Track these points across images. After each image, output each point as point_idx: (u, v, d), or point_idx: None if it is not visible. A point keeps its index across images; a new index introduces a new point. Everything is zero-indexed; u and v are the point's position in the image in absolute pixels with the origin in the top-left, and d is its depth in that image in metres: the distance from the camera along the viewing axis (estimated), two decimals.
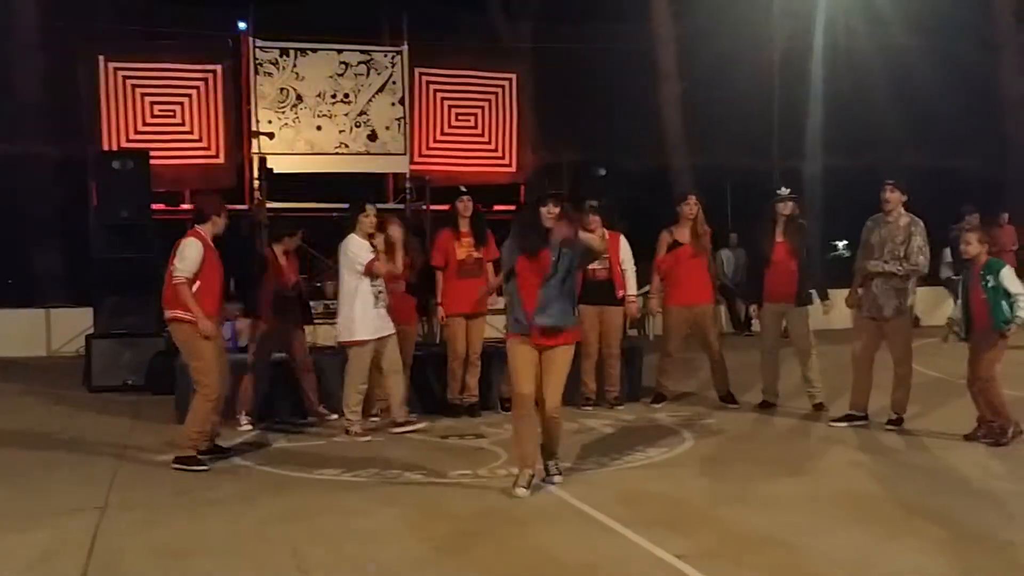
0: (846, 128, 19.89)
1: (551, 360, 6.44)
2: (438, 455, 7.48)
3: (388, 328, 8.19)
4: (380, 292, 8.15)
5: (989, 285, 7.57)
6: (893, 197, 8.28)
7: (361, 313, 8.02)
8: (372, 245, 8.18)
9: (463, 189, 9.35)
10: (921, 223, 8.26)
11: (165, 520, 5.91)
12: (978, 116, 20.82)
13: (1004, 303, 7.52)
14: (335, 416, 8.67)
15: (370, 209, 8.19)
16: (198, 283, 7.18)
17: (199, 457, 7.20)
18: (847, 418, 8.46)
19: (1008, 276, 7.56)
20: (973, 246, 7.72)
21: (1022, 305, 7.47)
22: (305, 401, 8.88)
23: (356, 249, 8.07)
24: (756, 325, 16.03)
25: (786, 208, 9.12)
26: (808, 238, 9.35)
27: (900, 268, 8.13)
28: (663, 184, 18.54)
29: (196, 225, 7.37)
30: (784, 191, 9.34)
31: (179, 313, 7.17)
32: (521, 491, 6.33)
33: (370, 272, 8.03)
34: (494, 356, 9.26)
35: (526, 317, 6.39)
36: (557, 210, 6.40)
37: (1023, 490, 6.49)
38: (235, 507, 6.18)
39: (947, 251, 17.62)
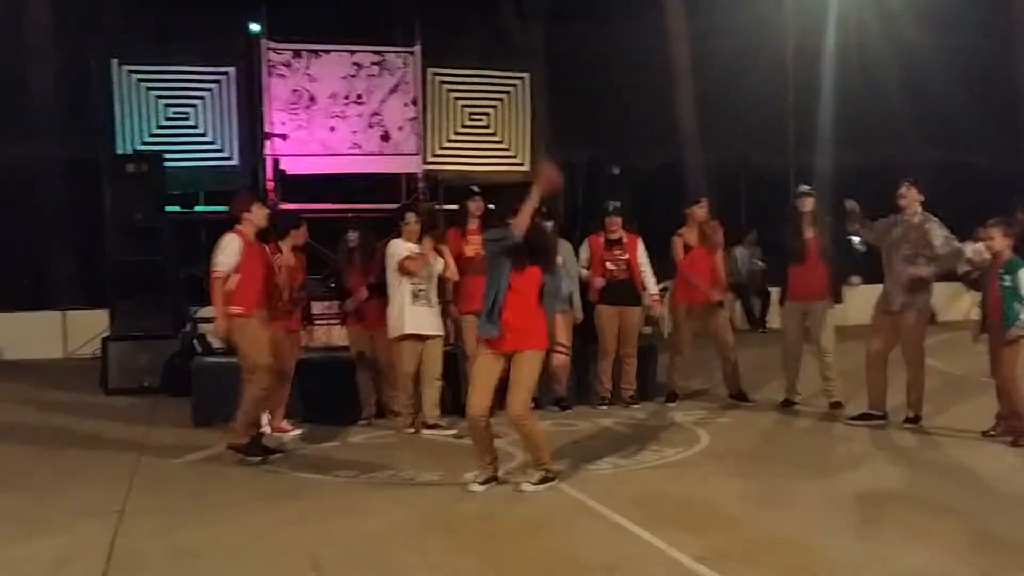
0: (859, 124, 19.80)
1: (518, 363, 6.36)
2: (453, 456, 7.47)
3: (430, 327, 8.30)
4: (420, 290, 8.32)
5: (1005, 284, 7.49)
6: (910, 195, 8.24)
7: (398, 310, 8.27)
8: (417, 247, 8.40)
9: (475, 189, 9.35)
10: (935, 218, 8.22)
11: (183, 523, 5.92)
12: (993, 111, 20.70)
13: (1016, 304, 7.43)
14: (296, 432, 8.46)
15: (409, 217, 8.48)
16: (238, 277, 7.27)
17: (252, 447, 7.31)
18: (864, 416, 8.43)
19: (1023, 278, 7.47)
20: (997, 240, 7.61)
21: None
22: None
23: (393, 250, 8.37)
24: (771, 322, 16.14)
25: (807, 204, 9.09)
26: (832, 234, 9.29)
27: (928, 269, 8.08)
28: (677, 181, 18.50)
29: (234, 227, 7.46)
30: (804, 187, 9.31)
31: (224, 307, 7.28)
32: (475, 487, 6.45)
33: (404, 271, 8.21)
34: None
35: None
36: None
37: None
38: (251, 509, 6.20)
39: (966, 246, 17.56)
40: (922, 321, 8.36)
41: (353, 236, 9.01)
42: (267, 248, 7.83)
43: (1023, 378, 7.64)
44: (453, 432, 8.35)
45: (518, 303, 6.32)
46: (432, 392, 8.47)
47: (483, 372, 6.42)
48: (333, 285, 9.28)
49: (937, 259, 8.14)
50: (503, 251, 6.32)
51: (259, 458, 7.32)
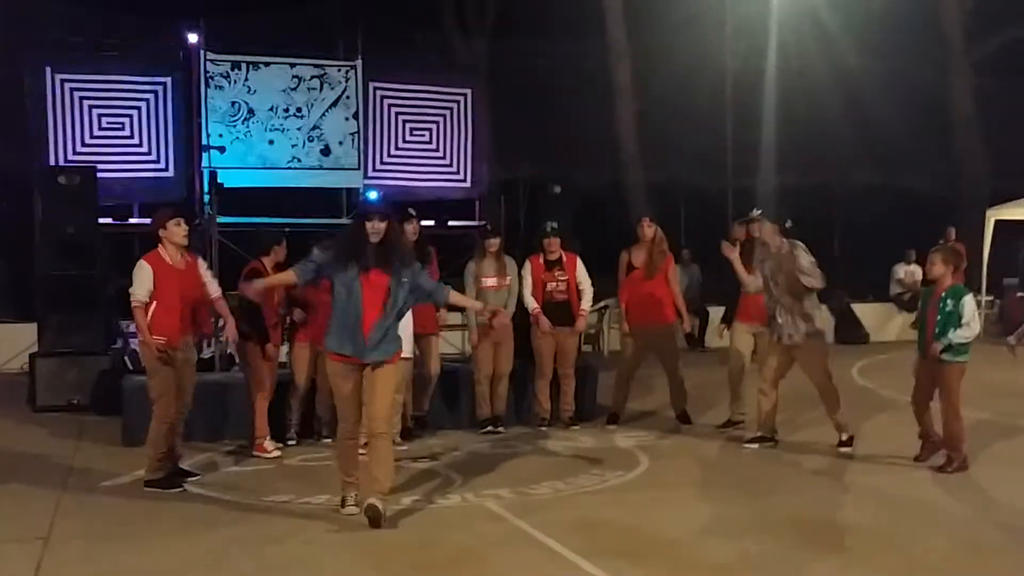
0: (798, 146, 20.09)
1: (376, 378, 6.18)
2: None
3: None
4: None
5: (947, 309, 7.55)
6: (765, 229, 8.33)
7: None
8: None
9: (411, 212, 9.22)
10: (800, 243, 8.28)
11: (109, 552, 5.73)
12: (929, 135, 21.11)
13: (952, 328, 7.49)
14: (277, 454, 8.29)
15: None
16: (154, 304, 7.07)
17: (171, 478, 7.15)
18: (759, 440, 8.50)
19: (969, 306, 7.49)
20: (937, 267, 7.70)
21: (959, 334, 7.46)
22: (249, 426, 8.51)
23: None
24: (709, 341, 16.23)
25: (757, 230, 9.09)
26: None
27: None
28: (618, 201, 18.58)
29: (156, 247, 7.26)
30: (755, 212, 9.33)
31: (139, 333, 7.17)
32: (350, 509, 6.31)
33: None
34: (455, 374, 9.30)
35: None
36: (383, 225, 6.18)
37: (975, 515, 6.51)
38: (181, 537, 6.02)
39: (897, 268, 17.86)
40: (821, 342, 8.42)
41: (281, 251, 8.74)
42: (193, 265, 7.41)
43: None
44: (404, 448, 8.29)
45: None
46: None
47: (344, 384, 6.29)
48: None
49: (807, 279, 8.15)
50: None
51: (178, 489, 7.12)
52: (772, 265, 8.28)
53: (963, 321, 7.45)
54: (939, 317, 7.55)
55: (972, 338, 7.51)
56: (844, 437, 8.32)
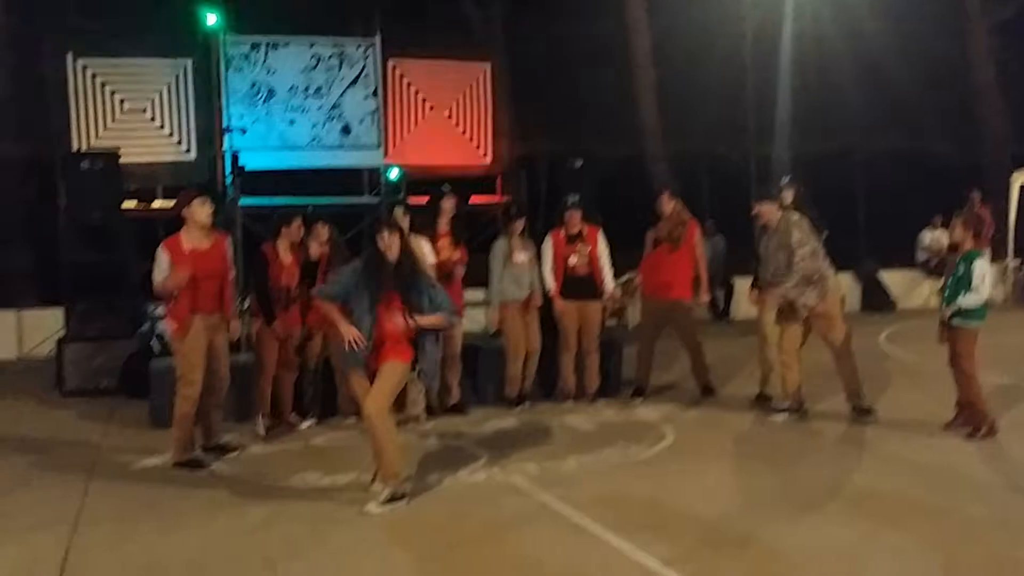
0: (818, 113, 19.92)
1: (381, 371, 6.28)
2: (417, 458, 7.36)
3: None
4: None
5: (958, 274, 7.53)
6: (764, 210, 8.33)
7: None
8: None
9: (446, 188, 9.18)
10: (794, 217, 8.26)
11: (137, 533, 5.79)
12: (950, 99, 20.88)
13: (961, 291, 7.46)
14: (306, 424, 8.54)
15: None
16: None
17: (197, 459, 7.24)
18: (786, 410, 8.50)
19: (978, 270, 7.45)
20: (957, 232, 7.69)
21: (968, 299, 7.41)
22: (280, 404, 8.63)
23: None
24: (735, 313, 16.17)
25: (788, 196, 9.02)
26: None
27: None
28: (639, 174, 18.48)
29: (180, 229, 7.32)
30: (785, 179, 9.28)
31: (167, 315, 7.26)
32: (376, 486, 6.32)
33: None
34: (478, 352, 9.31)
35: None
36: (395, 239, 6.27)
37: (1005, 483, 6.47)
38: (209, 517, 6.07)
39: (923, 234, 17.70)
40: (837, 309, 8.39)
41: (324, 231, 8.73)
42: (220, 243, 7.46)
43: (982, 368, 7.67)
44: (429, 427, 8.40)
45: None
46: (415, 388, 8.39)
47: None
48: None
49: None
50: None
51: (204, 469, 7.21)
52: (774, 242, 8.25)
53: (972, 285, 7.40)
54: (951, 281, 7.55)
55: (979, 303, 7.46)
56: (864, 406, 8.29)
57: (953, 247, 7.83)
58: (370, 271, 6.30)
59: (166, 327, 7.37)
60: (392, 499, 6.19)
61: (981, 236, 7.75)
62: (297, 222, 8.51)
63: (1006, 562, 5.02)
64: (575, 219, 9.26)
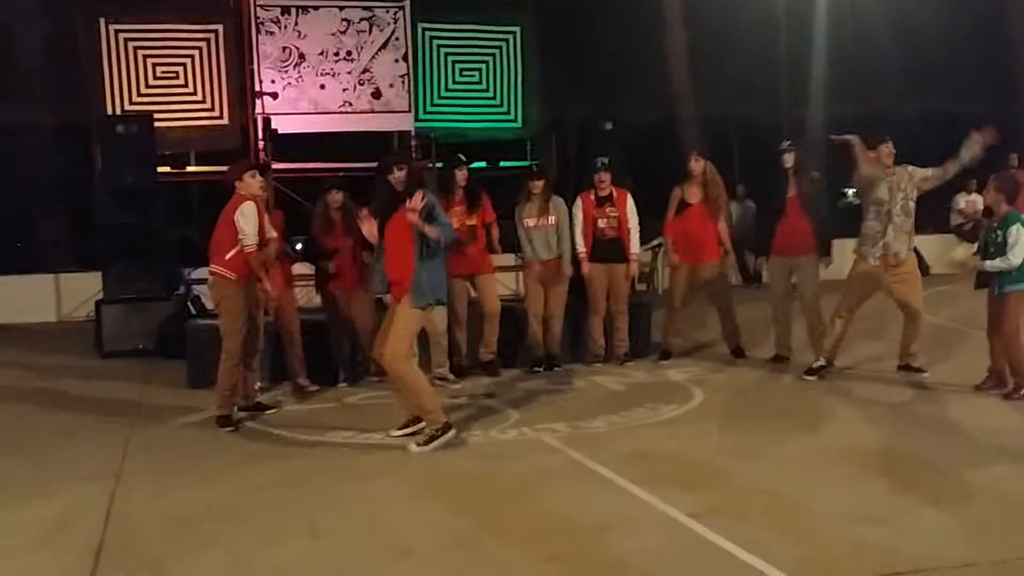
0: (852, 76, 19.70)
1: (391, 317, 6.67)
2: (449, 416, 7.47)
3: None
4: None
5: (997, 239, 7.48)
6: (883, 150, 8.35)
7: None
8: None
9: (461, 158, 9.26)
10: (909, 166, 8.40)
11: (177, 486, 5.95)
12: (986, 60, 20.58)
13: (1000, 258, 7.42)
14: (315, 388, 8.62)
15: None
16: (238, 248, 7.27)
17: (230, 417, 7.39)
18: (821, 369, 8.55)
19: (1013, 235, 7.37)
20: (990, 195, 7.66)
21: (999, 262, 7.39)
22: (289, 370, 8.73)
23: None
24: (766, 277, 16.14)
25: (788, 160, 9.06)
26: (818, 189, 9.23)
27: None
28: (670, 137, 18.40)
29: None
30: (785, 143, 9.28)
31: (216, 268, 7.33)
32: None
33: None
34: (509, 313, 9.38)
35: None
36: (403, 174, 6.66)
37: None
38: (247, 472, 6.22)
39: (957, 197, 17.54)
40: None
41: (337, 196, 8.82)
42: (277, 220, 7.86)
43: None
44: (458, 386, 8.56)
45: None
46: (440, 351, 8.62)
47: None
48: (299, 248, 9.09)
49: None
50: None
51: (233, 428, 7.34)
52: (890, 184, 8.24)
53: (1008, 249, 7.35)
54: (990, 248, 7.51)
55: (1010, 267, 7.40)
56: (909, 364, 8.37)
57: (988, 211, 7.80)
58: (381, 201, 6.72)
59: (217, 278, 7.39)
60: (432, 438, 6.47)
61: (1016, 199, 7.70)
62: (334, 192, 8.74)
63: None
64: (605, 181, 9.29)
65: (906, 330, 8.52)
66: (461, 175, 9.01)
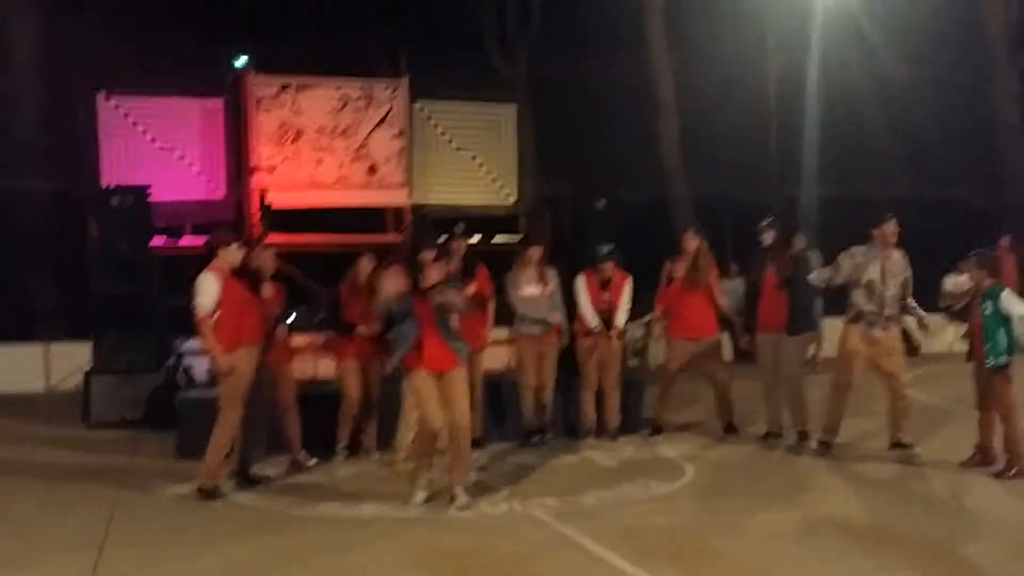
0: (842, 158, 19.96)
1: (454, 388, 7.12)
2: (435, 488, 7.38)
3: None
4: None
5: (987, 312, 7.54)
6: (889, 228, 8.48)
7: None
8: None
9: (458, 231, 9.30)
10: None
11: (162, 559, 5.87)
12: (974, 145, 20.87)
13: (1002, 330, 7.47)
14: (313, 462, 8.45)
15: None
16: (218, 314, 7.26)
17: (218, 489, 7.30)
18: (826, 444, 8.54)
19: (1007, 299, 7.51)
20: (974, 272, 7.73)
21: (1020, 328, 7.43)
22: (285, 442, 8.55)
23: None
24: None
25: (767, 238, 9.17)
26: (803, 267, 9.29)
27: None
28: (663, 215, 18.56)
29: (211, 262, 7.43)
30: (764, 222, 9.39)
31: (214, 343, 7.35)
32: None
33: None
34: (500, 386, 9.40)
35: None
36: (431, 256, 7.31)
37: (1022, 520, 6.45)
38: (233, 545, 6.14)
39: (946, 279, 17.62)
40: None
41: (370, 264, 8.83)
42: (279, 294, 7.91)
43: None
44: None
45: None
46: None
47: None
48: (323, 316, 9.12)
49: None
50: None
51: (221, 499, 7.26)
52: (887, 266, 8.37)
53: (1015, 315, 7.41)
54: (983, 323, 7.54)
55: None
56: (905, 440, 8.36)
57: (971, 290, 7.87)
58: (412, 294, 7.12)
59: (211, 356, 7.39)
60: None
61: (1000, 275, 7.78)
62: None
63: None
64: (609, 270, 9.40)
65: (893, 406, 8.50)
66: (459, 246, 9.00)
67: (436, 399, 7.00)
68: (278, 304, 8.44)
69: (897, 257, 8.42)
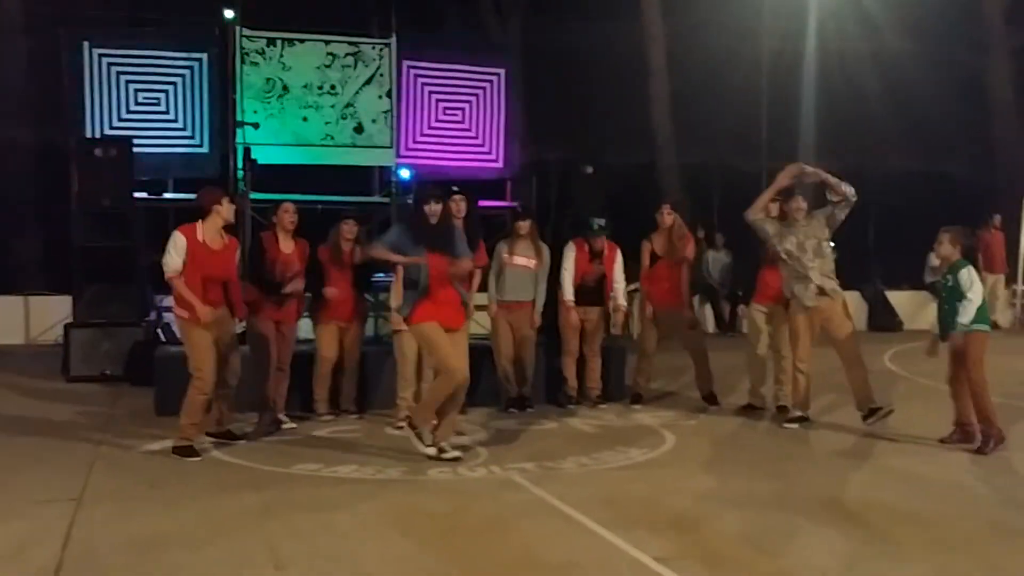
0: (834, 130, 19.89)
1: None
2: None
3: None
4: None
5: (948, 285, 7.59)
6: (796, 201, 8.64)
7: None
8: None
9: (455, 189, 9.10)
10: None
11: (140, 512, 5.85)
12: (968, 120, 20.86)
13: (958, 304, 7.50)
14: (293, 426, 8.39)
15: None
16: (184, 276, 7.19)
17: (193, 447, 7.26)
18: (798, 419, 8.55)
19: (965, 276, 7.52)
20: (944, 247, 7.73)
21: (966, 310, 7.46)
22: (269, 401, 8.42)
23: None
24: (741, 326, 16.17)
25: (772, 209, 9.10)
26: None
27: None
28: (651, 182, 18.51)
29: (200, 220, 7.35)
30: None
31: (174, 305, 7.33)
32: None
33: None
34: (480, 352, 9.29)
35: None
36: (439, 208, 7.32)
37: (1001, 497, 6.49)
38: (210, 500, 6.12)
39: (932, 255, 17.67)
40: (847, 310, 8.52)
41: (352, 227, 8.72)
42: (231, 246, 7.55)
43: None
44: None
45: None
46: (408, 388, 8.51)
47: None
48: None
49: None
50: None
51: (197, 458, 7.21)
52: (801, 234, 8.33)
53: (966, 296, 7.45)
54: (943, 295, 7.60)
55: (974, 308, 7.48)
56: (869, 408, 8.30)
57: (942, 264, 7.88)
58: (419, 231, 7.27)
59: (176, 317, 7.39)
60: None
61: (976, 252, 7.79)
62: (287, 207, 8.42)
63: (998, 571, 5.05)
64: (600, 244, 9.36)
65: (851, 374, 8.39)
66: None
67: (449, 344, 7.12)
68: (300, 261, 8.38)
69: (815, 222, 8.44)
